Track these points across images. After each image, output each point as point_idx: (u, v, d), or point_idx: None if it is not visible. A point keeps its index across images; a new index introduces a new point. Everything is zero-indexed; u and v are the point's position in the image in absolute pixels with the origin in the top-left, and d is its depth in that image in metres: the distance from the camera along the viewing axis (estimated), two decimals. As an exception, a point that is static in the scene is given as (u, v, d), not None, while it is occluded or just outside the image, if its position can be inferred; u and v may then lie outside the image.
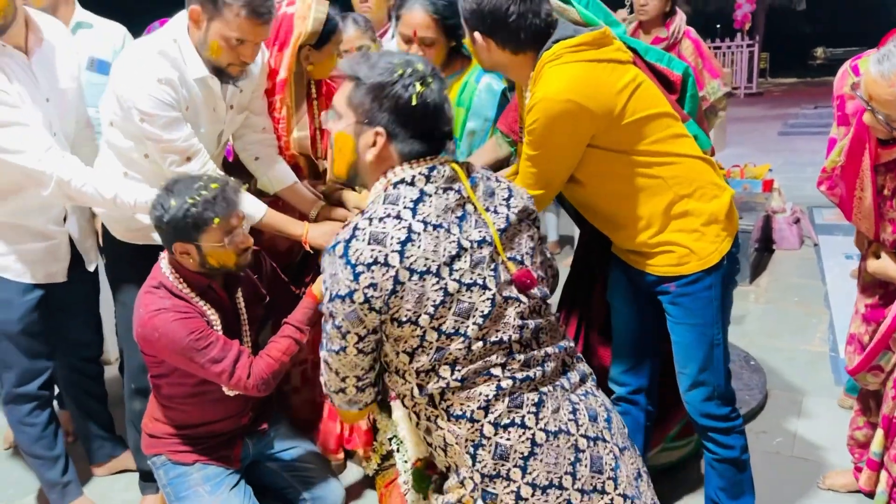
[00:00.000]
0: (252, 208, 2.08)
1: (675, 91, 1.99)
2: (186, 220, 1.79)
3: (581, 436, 1.38)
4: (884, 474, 2.10)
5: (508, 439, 1.34)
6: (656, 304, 1.94)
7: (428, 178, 1.37)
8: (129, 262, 2.28)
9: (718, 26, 17.12)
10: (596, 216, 1.93)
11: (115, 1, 3.36)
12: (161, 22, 3.03)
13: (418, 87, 1.36)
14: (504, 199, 1.46)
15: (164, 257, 1.96)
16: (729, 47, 14.51)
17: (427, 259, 1.31)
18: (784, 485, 2.47)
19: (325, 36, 2.23)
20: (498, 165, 2.23)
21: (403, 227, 1.32)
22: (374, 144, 1.38)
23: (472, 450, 1.36)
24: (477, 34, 1.71)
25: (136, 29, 3.02)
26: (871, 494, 2.22)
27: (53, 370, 2.41)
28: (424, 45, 2.15)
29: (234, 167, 2.37)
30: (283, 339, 1.95)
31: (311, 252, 2.21)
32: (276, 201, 2.30)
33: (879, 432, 2.14)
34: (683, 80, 2.03)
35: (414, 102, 1.35)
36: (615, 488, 1.37)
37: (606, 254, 2.05)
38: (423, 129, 1.38)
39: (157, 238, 2.21)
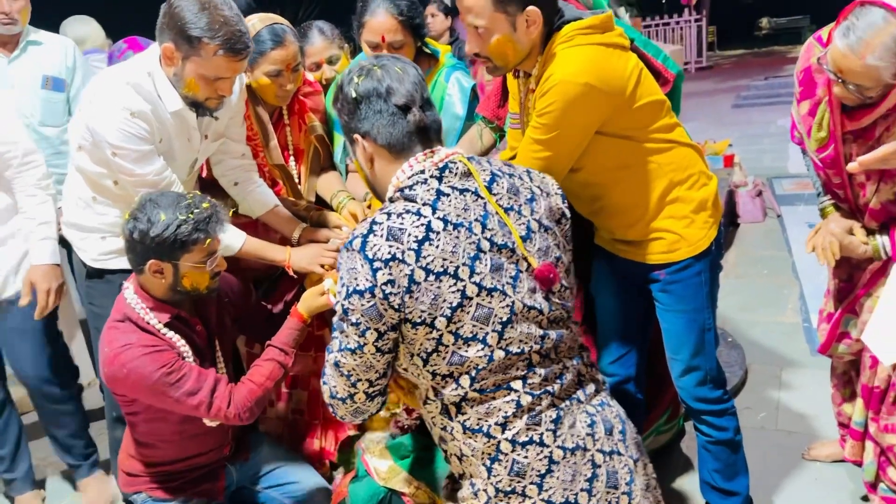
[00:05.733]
0: (232, 237, 2.03)
1: (667, 85, 1.99)
2: (176, 236, 1.70)
3: (598, 451, 1.37)
4: (870, 444, 2.14)
5: (526, 457, 1.32)
6: (642, 294, 1.94)
7: (441, 179, 1.34)
8: (101, 288, 2.21)
9: (665, 1, 17.33)
10: (587, 203, 1.90)
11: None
12: (129, 41, 2.95)
13: (355, 80, 1.37)
14: (527, 200, 1.40)
15: (128, 287, 1.86)
16: (678, 23, 14.69)
17: (444, 259, 1.28)
18: (772, 458, 2.52)
19: (252, 53, 2.04)
20: None
21: (422, 225, 1.29)
22: (363, 152, 1.40)
23: (488, 463, 1.34)
24: (531, 8, 1.61)
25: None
26: (857, 464, 2.27)
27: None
28: (394, 49, 2.09)
29: (209, 186, 2.30)
30: (266, 362, 1.87)
31: (296, 276, 2.15)
32: (254, 223, 2.25)
33: (859, 401, 2.18)
34: (676, 79, 2.04)
35: (354, 95, 1.36)
36: (629, 502, 1.37)
37: (583, 245, 2.04)
38: (388, 114, 1.35)
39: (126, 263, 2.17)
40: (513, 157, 1.86)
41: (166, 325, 1.82)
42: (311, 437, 2.48)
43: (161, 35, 1.83)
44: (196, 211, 1.73)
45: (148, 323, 1.80)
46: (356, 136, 1.39)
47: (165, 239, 1.70)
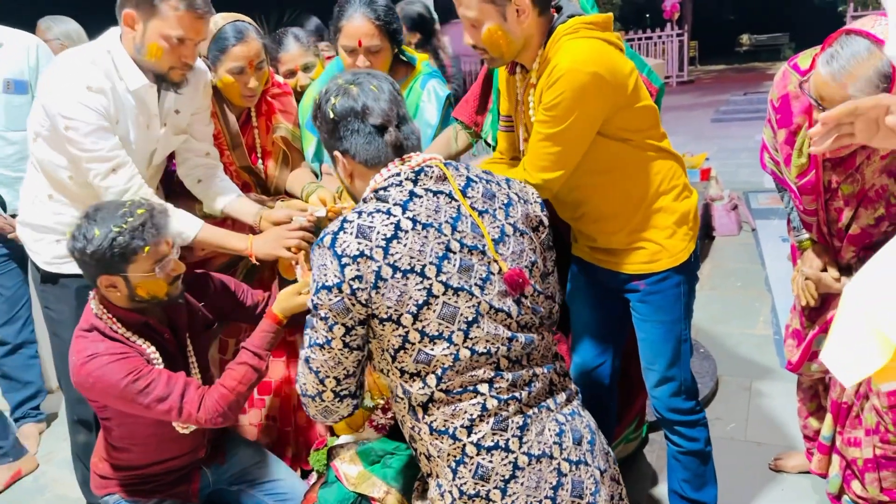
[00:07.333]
0: (185, 225, 1.96)
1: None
2: (113, 250, 1.66)
3: (564, 459, 1.38)
4: (836, 458, 2.16)
5: (490, 461, 1.34)
6: (619, 304, 1.95)
7: (416, 181, 1.38)
8: (56, 293, 2.16)
9: (648, 16, 17.55)
10: (570, 208, 1.90)
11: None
12: None
13: (332, 100, 1.42)
14: (503, 205, 1.43)
15: (93, 297, 1.83)
16: (660, 37, 14.86)
17: (412, 258, 1.31)
18: (739, 469, 2.53)
19: (214, 50, 2.11)
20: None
21: (391, 224, 1.33)
22: (343, 168, 1.46)
23: (453, 465, 1.36)
24: None
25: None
26: (823, 477, 2.29)
27: None
28: (370, 53, 2.09)
29: (177, 194, 2.27)
30: (239, 366, 1.83)
31: (258, 264, 2.12)
32: (223, 222, 2.22)
33: (828, 417, 2.21)
34: (658, 93, 2.06)
35: (332, 116, 1.41)
36: None
37: (561, 253, 2.05)
38: (365, 133, 1.40)
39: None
40: (515, 158, 1.85)
41: (134, 332, 1.79)
42: (284, 444, 2.46)
43: (122, 6, 1.84)
44: (130, 220, 1.67)
45: (115, 332, 1.77)
46: (336, 153, 1.45)
47: (103, 254, 1.66)
